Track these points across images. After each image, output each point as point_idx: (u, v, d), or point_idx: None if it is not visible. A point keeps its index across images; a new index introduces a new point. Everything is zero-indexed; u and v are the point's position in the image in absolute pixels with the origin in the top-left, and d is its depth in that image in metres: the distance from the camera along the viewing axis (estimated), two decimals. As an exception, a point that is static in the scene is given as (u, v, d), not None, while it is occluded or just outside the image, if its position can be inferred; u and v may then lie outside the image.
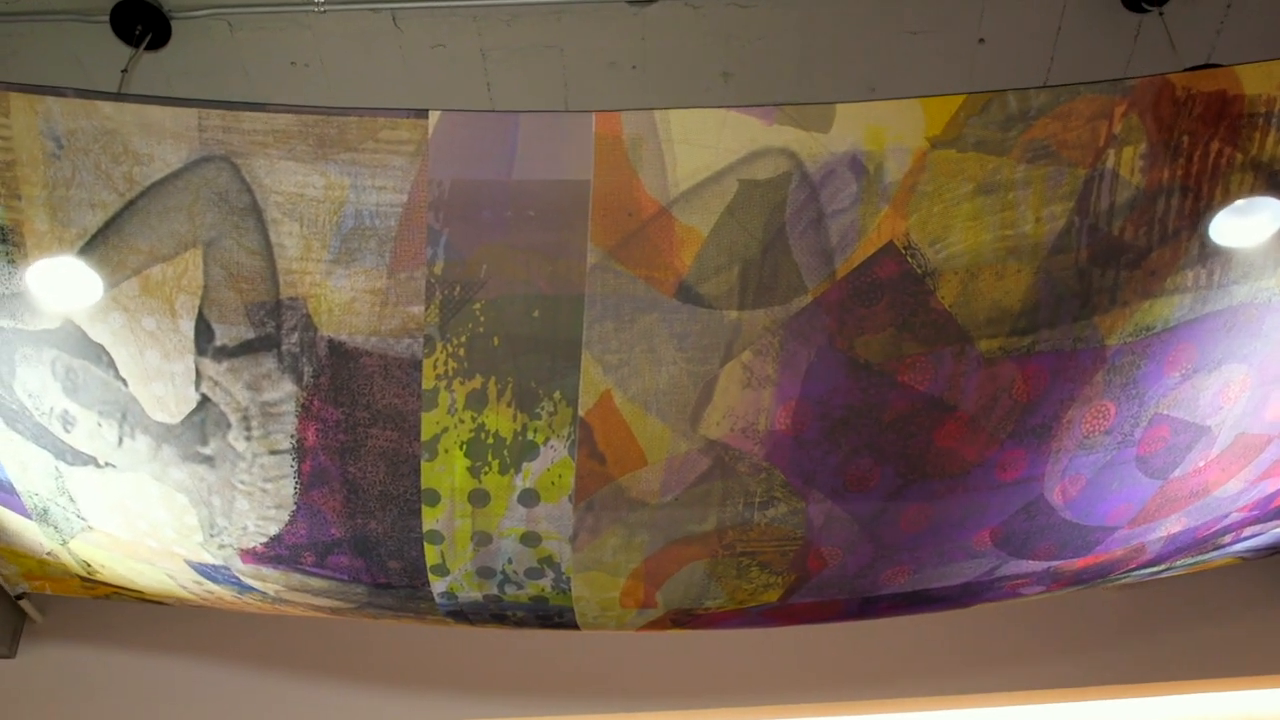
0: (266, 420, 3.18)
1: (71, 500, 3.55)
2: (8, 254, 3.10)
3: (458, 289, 3.00)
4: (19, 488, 3.65)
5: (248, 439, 3.21)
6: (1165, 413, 3.25)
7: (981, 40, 4.75)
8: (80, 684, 4.97)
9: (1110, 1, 4.76)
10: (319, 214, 2.98)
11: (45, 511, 3.69)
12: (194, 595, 3.97)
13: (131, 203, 3.01)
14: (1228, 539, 3.77)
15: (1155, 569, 3.85)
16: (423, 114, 2.93)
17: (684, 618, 3.76)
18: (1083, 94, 2.88)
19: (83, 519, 3.62)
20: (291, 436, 3.19)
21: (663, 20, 4.31)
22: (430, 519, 3.33)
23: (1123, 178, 2.93)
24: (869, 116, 2.91)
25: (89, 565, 3.95)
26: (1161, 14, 4.43)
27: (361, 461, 3.22)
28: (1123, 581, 3.95)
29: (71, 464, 3.41)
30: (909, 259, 2.97)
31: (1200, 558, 3.89)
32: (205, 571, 3.66)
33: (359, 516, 3.33)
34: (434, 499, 3.30)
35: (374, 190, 2.95)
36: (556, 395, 3.11)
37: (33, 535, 3.93)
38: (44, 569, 4.19)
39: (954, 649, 5.08)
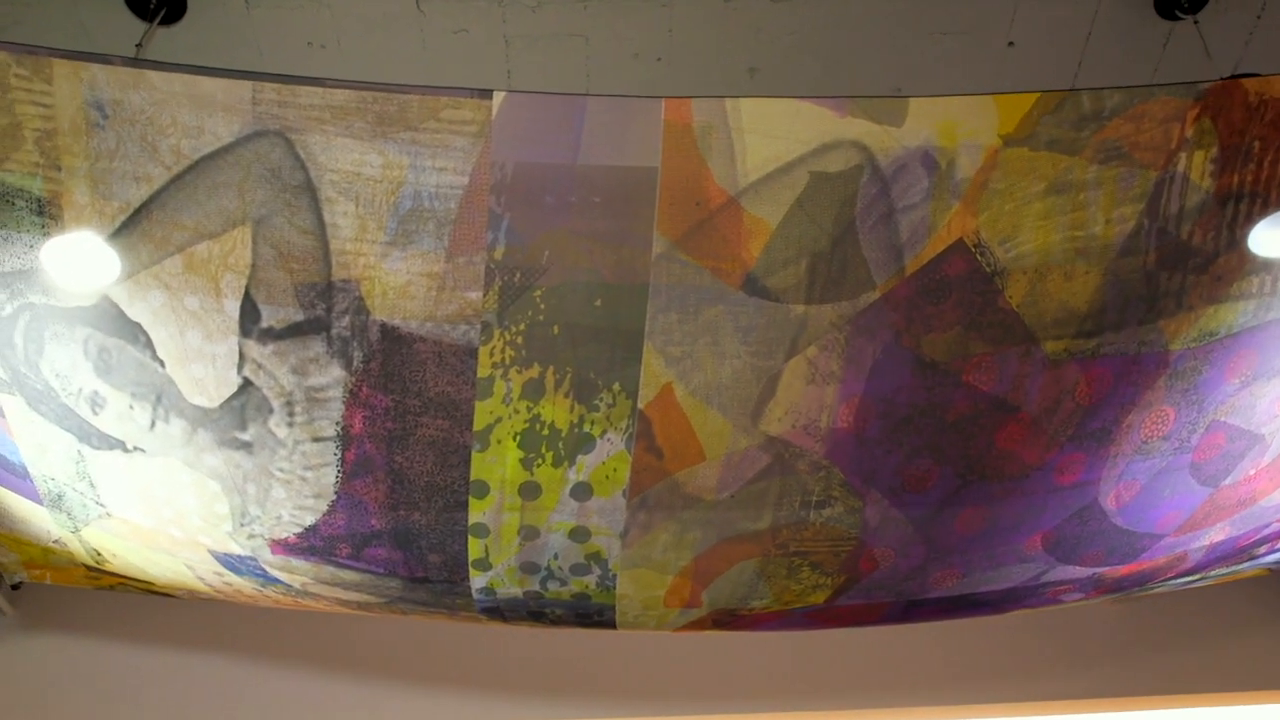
0: (311, 406, 3.09)
1: (91, 486, 3.44)
2: (43, 227, 2.99)
3: (518, 275, 2.93)
4: (33, 472, 3.54)
5: (290, 425, 3.12)
6: (1222, 419, 3.25)
7: (1011, 44, 4.74)
8: (49, 676, 4.82)
9: (1143, 8, 4.77)
10: (376, 194, 2.90)
11: (59, 497, 3.58)
12: (210, 587, 3.87)
13: (178, 177, 2.92)
14: (1263, 549, 3.78)
15: (1191, 578, 3.85)
16: (486, 94, 2.86)
17: (726, 618, 3.71)
18: (1157, 96, 2.86)
19: (101, 505, 3.51)
20: (336, 423, 3.11)
21: (691, 12, 4.27)
22: (477, 511, 3.26)
23: (1193, 181, 2.92)
24: (942, 111, 2.88)
25: (99, 554, 3.84)
26: (1197, 21, 4.45)
27: (409, 451, 3.14)
28: (1156, 590, 3.95)
29: (96, 448, 3.31)
30: (978, 257, 2.94)
31: (1234, 568, 3.90)
32: (229, 562, 3.56)
33: (402, 508, 3.25)
34: (483, 491, 3.22)
35: (434, 171, 2.88)
36: (616, 387, 3.05)
37: (40, 522, 3.81)
38: (47, 558, 4.07)
39: (953, 660, 5.08)
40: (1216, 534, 3.57)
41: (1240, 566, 3.90)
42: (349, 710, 4.68)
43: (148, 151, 2.90)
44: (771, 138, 2.86)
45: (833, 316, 2.99)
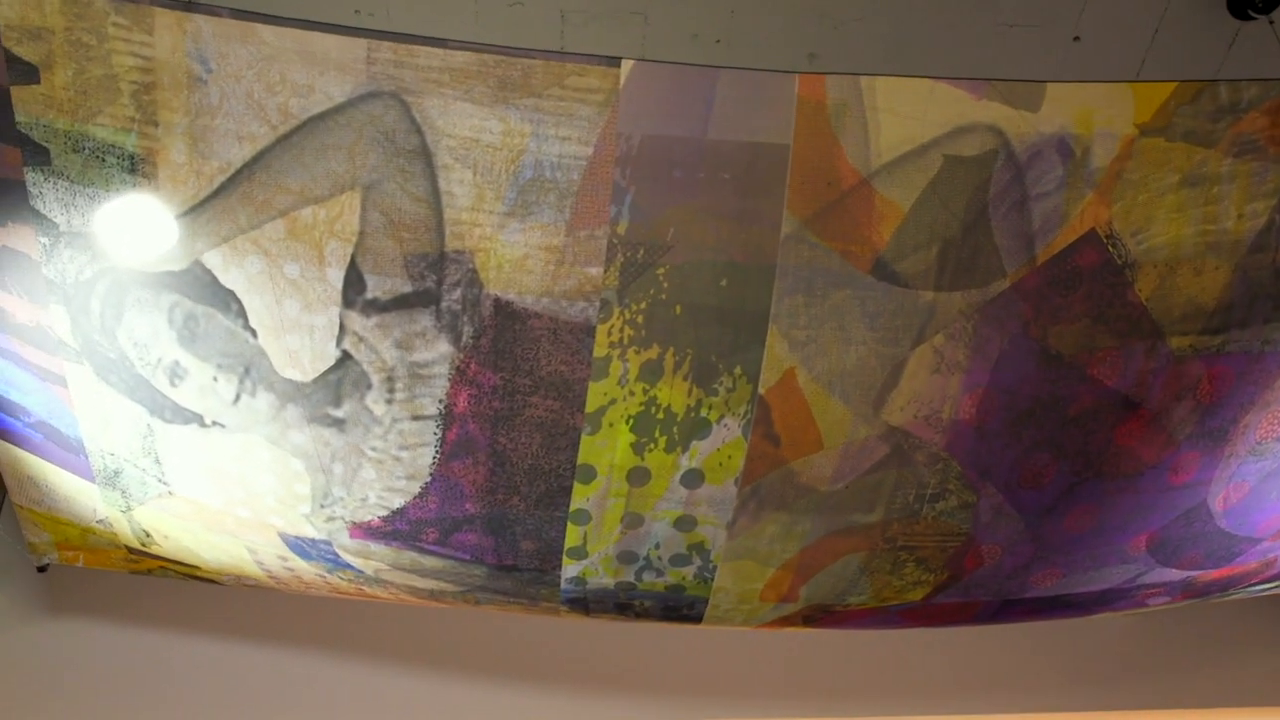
0: (413, 383, 2.99)
1: (157, 462, 3.31)
2: (135, 185, 2.88)
3: (641, 251, 2.85)
4: (90, 446, 3.40)
5: (389, 402, 3.02)
6: (1335, 422, 3.24)
7: (1077, 38, 4.73)
8: (73, 661, 4.66)
9: (1214, 7, 4.77)
10: (495, 162, 2.81)
11: (116, 474, 3.44)
12: (265, 573, 3.74)
13: (285, 137, 2.81)
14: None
15: (1270, 585, 3.84)
16: (614, 62, 2.79)
17: (818, 614, 3.65)
18: None
19: (164, 483, 3.38)
20: (440, 401, 3.01)
21: (757, -6, 4.22)
22: (580, 497, 3.17)
23: None
24: (1079, 98, 2.85)
25: (148, 535, 3.70)
26: (1272, 21, 4.45)
27: (515, 432, 3.05)
28: (1235, 596, 3.94)
29: (169, 421, 3.18)
30: (1110, 248, 2.90)
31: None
32: (298, 546, 3.44)
33: (500, 492, 3.15)
34: (589, 475, 3.13)
35: (557, 140, 2.79)
36: (737, 370, 2.97)
37: (87, 500, 3.67)
38: (85, 539, 3.92)
39: (959, 669, 5.07)
40: (1307, 539, 3.57)
41: None
42: (364, 699, 4.58)
43: (253, 109, 2.79)
44: (906, 118, 2.81)
45: (961, 305, 2.93)
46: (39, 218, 2.93)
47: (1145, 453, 3.16)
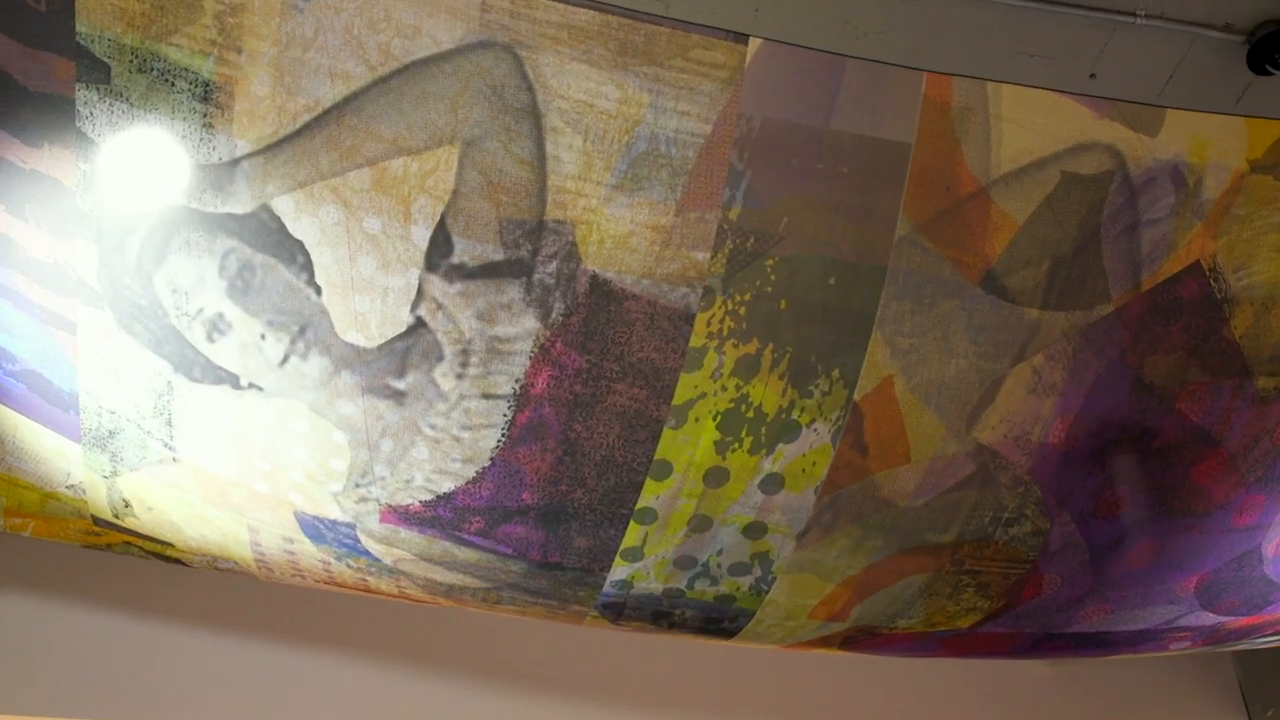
0: (490, 358, 2.84)
1: (168, 425, 3.09)
2: (205, 115, 2.67)
3: (751, 240, 2.77)
4: (86, 402, 3.15)
5: (459, 377, 2.86)
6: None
7: (1093, 75, 4.83)
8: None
9: (1233, 58, 4.92)
10: (608, 130, 2.70)
11: (111, 435, 3.20)
12: (253, 556, 3.52)
13: (383, 80, 2.66)
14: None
15: (1277, 637, 3.94)
16: (742, 38, 2.71)
17: (860, 636, 3.59)
18: None
19: (170, 449, 3.15)
20: (516, 381, 2.86)
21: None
22: (650, 494, 3.05)
23: None
24: (1196, 127, 2.90)
25: (127, 505, 3.45)
26: (1288, 77, 4.59)
27: (593, 420, 2.92)
28: (1243, 646, 4.03)
29: (196, 380, 2.97)
30: (1211, 282, 2.94)
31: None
32: (313, 527, 3.24)
33: (565, 483, 3.01)
34: (664, 472, 3.02)
35: (675, 114, 2.70)
36: (835, 374, 2.91)
37: (61, 462, 3.41)
38: (44, 505, 3.65)
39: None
40: (1330, 590, 3.67)
41: None
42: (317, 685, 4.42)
43: (351, 46, 2.63)
44: (1028, 129, 2.80)
45: (1065, 325, 2.93)
46: (84, 141, 2.71)
47: (1216, 492, 3.20)
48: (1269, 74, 4.82)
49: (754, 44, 2.71)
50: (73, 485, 3.47)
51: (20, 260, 2.93)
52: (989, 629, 3.57)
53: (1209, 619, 3.65)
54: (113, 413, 3.14)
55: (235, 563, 3.66)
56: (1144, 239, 2.90)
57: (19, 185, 2.81)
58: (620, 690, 4.69)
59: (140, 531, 3.61)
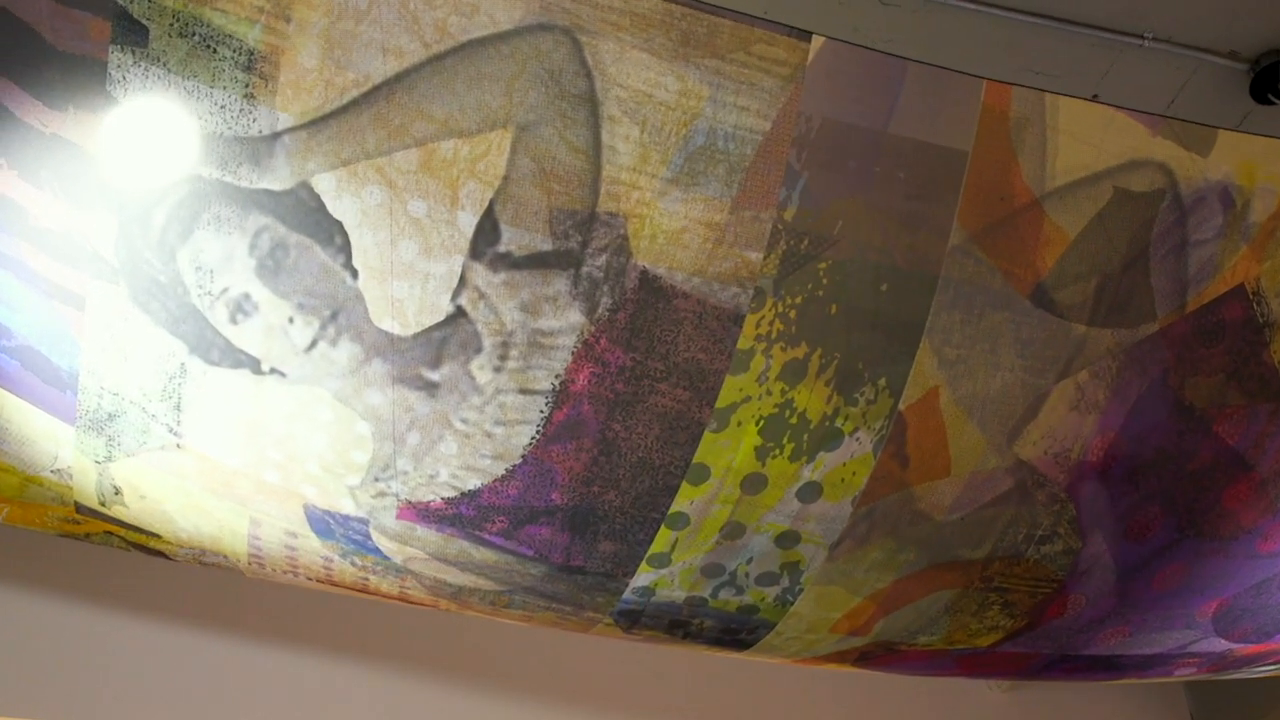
0: (531, 351, 2.78)
1: (176, 408, 2.98)
2: (247, 85, 2.59)
3: (805, 242, 2.74)
4: (87, 382, 3.03)
5: (497, 370, 2.80)
6: None
7: (1095, 96, 4.90)
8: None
9: (1236, 86, 5.01)
10: (666, 122, 2.66)
11: (110, 418, 3.08)
12: (247, 550, 3.42)
13: (438, 57, 2.60)
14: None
15: (1276, 667, 3.99)
16: (805, 36, 2.68)
17: (878, 652, 3.57)
18: None
19: (175, 434, 3.04)
20: (556, 376, 2.81)
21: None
22: (684, 499, 3.01)
23: None
24: (1245, 149, 2.93)
25: (118, 492, 3.33)
26: (1290, 107, 4.68)
27: (633, 420, 2.87)
28: (1240, 675, 4.07)
29: (214, 363, 2.88)
30: (1254, 306, 2.97)
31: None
32: (322, 521, 3.15)
33: (597, 484, 2.96)
34: (701, 476, 2.98)
35: (735, 109, 2.67)
36: (881, 382, 2.89)
37: (49, 445, 3.29)
38: (23, 490, 3.51)
39: None
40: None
41: None
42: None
43: (406, 21, 2.57)
44: (1084, 143, 2.81)
45: (1110, 343, 2.94)
46: (113, 106, 2.61)
47: (1245, 517, 3.23)
48: (1270, 103, 4.91)
49: (816, 42, 2.69)
50: (59, 470, 3.34)
51: (29, 229, 2.81)
52: (1007, 648, 3.57)
53: (1220, 645, 3.69)
54: (115, 394, 3.03)
55: (225, 556, 3.55)
56: (1191, 259, 2.92)
57: (37, 149, 2.70)
58: (605, 696, 4.64)
59: (125, 521, 3.48)
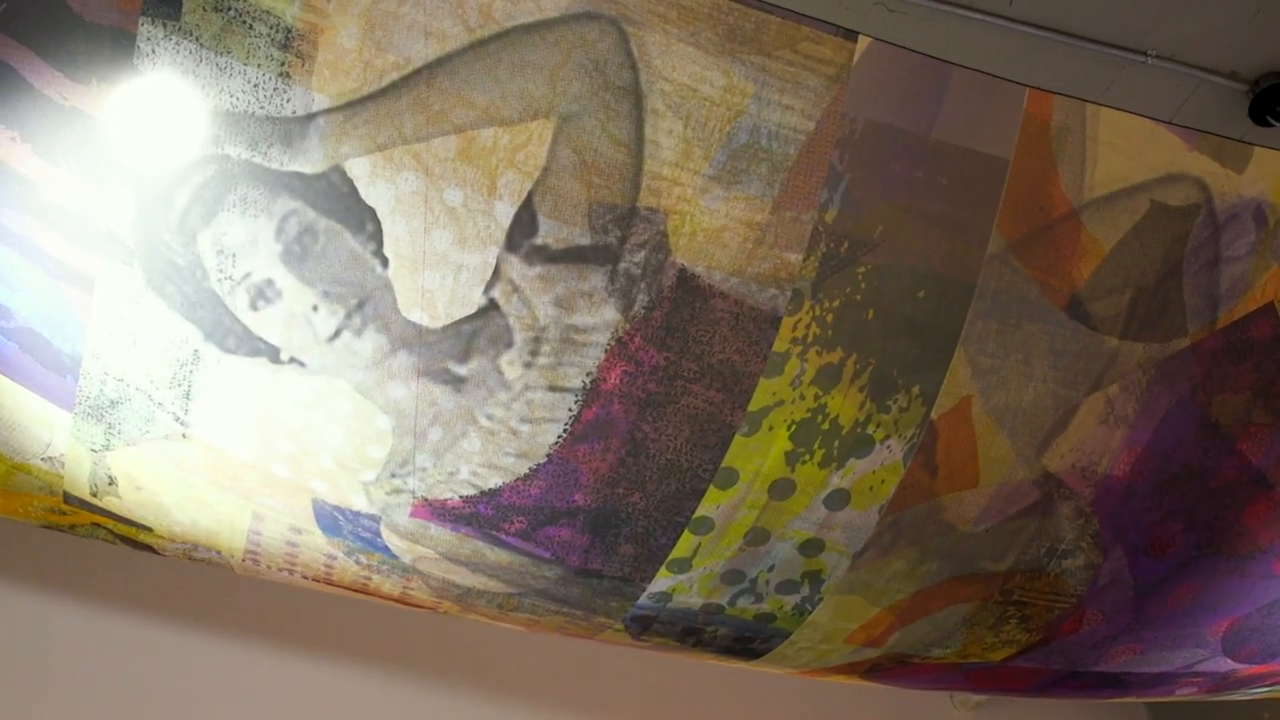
0: (563, 348, 2.74)
1: (185, 397, 2.91)
2: (284, 65, 2.54)
3: (846, 245, 2.73)
4: (90, 367, 2.95)
5: (527, 366, 2.75)
6: None
7: (1096, 112, 4.96)
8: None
9: (1235, 107, 5.10)
10: (710, 118, 2.64)
11: (113, 405, 3.00)
12: (245, 547, 3.35)
13: (481, 43, 2.55)
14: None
15: (1274, 688, 4.03)
16: (852, 35, 2.68)
17: (890, 664, 3.56)
18: None
19: (181, 423, 2.97)
20: (588, 374, 2.77)
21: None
22: (710, 503, 2.97)
23: None
24: (1279, 166, 2.93)
25: (113, 482, 3.24)
26: (1288, 129, 4.76)
27: (663, 421, 2.84)
28: (1236, 698, 4.11)
29: (229, 351, 2.81)
30: None
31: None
32: (331, 517, 3.09)
33: (623, 485, 2.92)
34: (729, 480, 2.95)
35: (779, 108, 2.65)
36: (915, 390, 2.88)
37: (42, 431, 3.19)
38: (9, 478, 3.41)
39: None
40: (1332, 643, 3.77)
41: None
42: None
43: (450, 4, 2.53)
44: (1124, 155, 2.83)
45: (1141, 357, 2.95)
46: (140, 80, 2.55)
47: (1263, 536, 3.25)
48: (1269, 125, 4.98)
49: (863, 42, 2.67)
50: (50, 458, 3.25)
51: (39, 205, 2.73)
52: (1018, 664, 3.58)
53: (1225, 665, 3.71)
54: (120, 380, 2.95)
55: (218, 552, 3.46)
56: (1224, 275, 2.95)
57: (55, 124, 2.62)
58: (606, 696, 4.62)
59: (116, 513, 3.39)
